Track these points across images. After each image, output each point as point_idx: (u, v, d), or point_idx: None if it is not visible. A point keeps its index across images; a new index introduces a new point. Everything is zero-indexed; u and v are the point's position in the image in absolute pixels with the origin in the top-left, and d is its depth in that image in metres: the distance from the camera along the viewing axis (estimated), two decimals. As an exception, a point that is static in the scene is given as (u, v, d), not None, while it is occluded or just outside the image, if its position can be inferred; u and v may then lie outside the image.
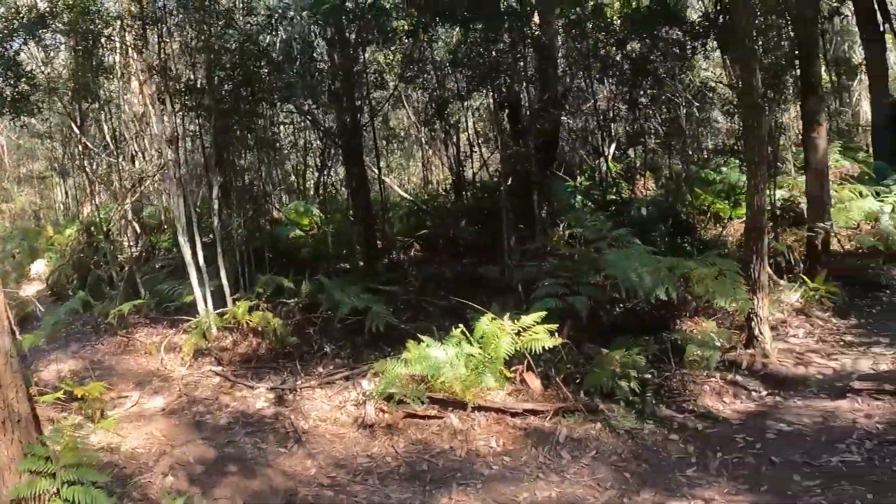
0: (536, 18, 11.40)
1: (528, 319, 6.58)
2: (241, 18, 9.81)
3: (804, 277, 9.20)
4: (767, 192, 8.52)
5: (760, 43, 10.21)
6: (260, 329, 8.36)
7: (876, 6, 14.77)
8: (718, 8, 10.69)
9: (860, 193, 11.81)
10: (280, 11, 9.57)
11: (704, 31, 10.83)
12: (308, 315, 8.79)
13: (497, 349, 6.40)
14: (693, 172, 13.50)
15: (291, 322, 8.67)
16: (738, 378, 6.89)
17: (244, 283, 9.51)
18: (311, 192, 16.93)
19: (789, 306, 8.77)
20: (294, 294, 9.12)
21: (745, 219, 7.96)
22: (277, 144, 13.54)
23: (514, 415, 6.27)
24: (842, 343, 8.00)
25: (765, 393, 6.67)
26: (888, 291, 9.68)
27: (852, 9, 15.93)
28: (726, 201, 12.73)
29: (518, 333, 6.52)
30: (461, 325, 6.82)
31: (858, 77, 20.62)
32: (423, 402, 6.36)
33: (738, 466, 5.29)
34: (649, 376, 6.74)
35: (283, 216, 14.54)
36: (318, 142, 15.15)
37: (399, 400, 6.32)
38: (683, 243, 10.69)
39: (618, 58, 11.52)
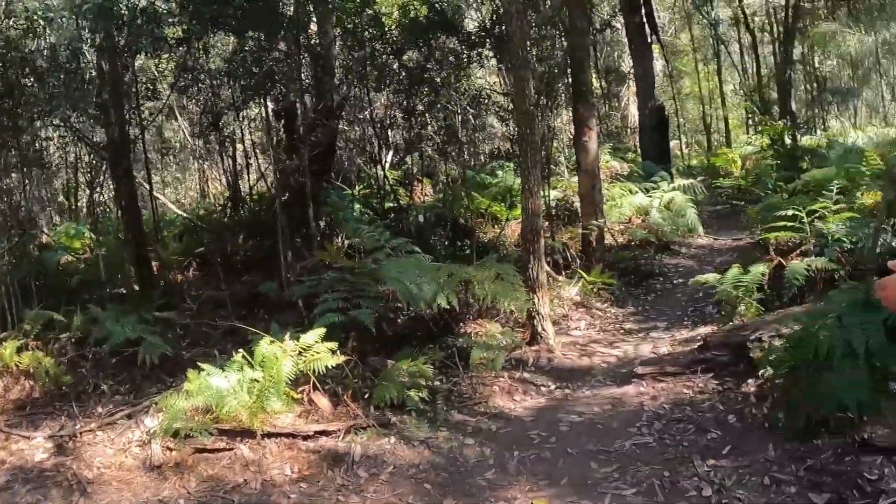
0: (314, 27, 11.14)
1: (308, 338, 6.22)
2: (1, 21, 8.77)
3: (581, 272, 9.53)
4: (542, 193, 8.71)
5: (534, 52, 10.54)
6: (32, 371, 7.42)
7: (645, 20, 16.00)
8: (494, 19, 10.94)
9: (630, 191, 12.64)
10: (40, 13, 8.60)
11: (480, 41, 11.06)
12: (82, 350, 7.92)
13: (279, 372, 5.99)
14: (470, 177, 13.77)
15: (65, 359, 7.75)
16: (526, 375, 6.92)
17: (12, 320, 8.42)
18: (84, 212, 15.66)
19: (569, 301, 9.03)
20: (66, 328, 8.15)
21: (521, 220, 8.08)
22: (45, 161, 12.32)
23: (305, 438, 5.88)
24: (622, 331, 8.34)
25: (553, 387, 6.74)
26: (661, 279, 10.32)
27: (622, 21, 17.24)
28: (503, 203, 13.09)
29: (300, 353, 6.14)
30: (242, 350, 6.33)
31: (627, 83, 22.26)
32: (211, 435, 5.80)
33: (536, 463, 5.24)
34: (438, 383, 6.60)
35: (52, 240, 13.31)
36: (89, 157, 14.04)
37: (186, 435, 5.71)
38: (463, 247, 10.81)
39: (395, 66, 11.51)
